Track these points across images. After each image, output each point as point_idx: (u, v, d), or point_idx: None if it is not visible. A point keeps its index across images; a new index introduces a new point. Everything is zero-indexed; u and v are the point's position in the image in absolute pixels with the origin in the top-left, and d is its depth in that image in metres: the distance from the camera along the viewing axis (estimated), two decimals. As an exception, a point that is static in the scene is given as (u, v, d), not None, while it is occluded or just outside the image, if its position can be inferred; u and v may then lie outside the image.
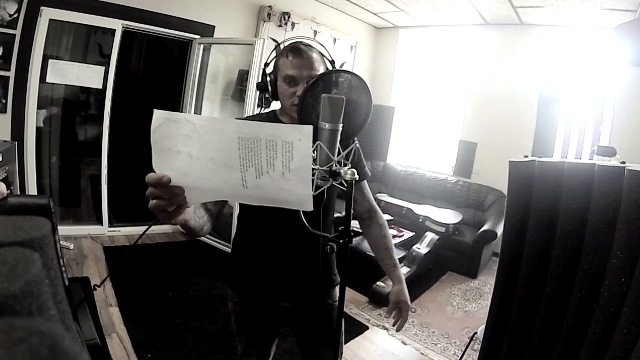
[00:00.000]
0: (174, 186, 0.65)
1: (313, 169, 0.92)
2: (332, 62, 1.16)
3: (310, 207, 0.67)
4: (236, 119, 1.16)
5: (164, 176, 0.63)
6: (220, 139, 0.60)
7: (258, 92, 1.15)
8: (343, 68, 1.07)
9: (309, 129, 0.59)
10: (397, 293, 1.23)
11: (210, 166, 0.63)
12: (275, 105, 1.24)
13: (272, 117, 1.19)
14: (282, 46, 1.16)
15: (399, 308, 1.22)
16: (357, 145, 1.17)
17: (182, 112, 3.73)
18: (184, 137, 0.60)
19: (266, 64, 1.19)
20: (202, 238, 3.48)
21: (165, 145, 0.61)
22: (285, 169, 0.61)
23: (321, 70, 1.10)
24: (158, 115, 0.59)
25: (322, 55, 1.13)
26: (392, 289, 1.25)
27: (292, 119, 1.13)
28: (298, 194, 0.65)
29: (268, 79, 1.14)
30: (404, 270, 3.23)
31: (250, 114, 1.21)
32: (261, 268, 1.16)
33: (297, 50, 1.07)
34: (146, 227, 0.89)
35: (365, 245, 3.52)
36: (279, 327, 1.32)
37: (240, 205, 1.21)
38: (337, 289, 1.29)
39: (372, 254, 3.72)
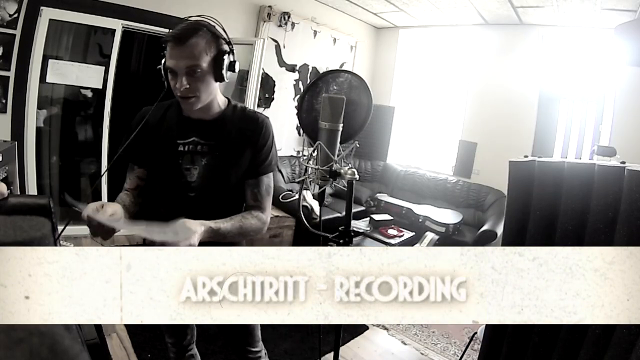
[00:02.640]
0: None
1: (313, 169, 0.92)
2: (229, 43, 1.07)
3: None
4: (144, 107, 1.14)
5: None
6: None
7: (163, 81, 1.07)
8: (343, 68, 1.05)
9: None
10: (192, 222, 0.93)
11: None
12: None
13: (175, 105, 1.14)
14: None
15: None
16: (269, 131, 1.14)
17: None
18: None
19: (164, 48, 1.04)
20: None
21: None
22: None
23: (205, 57, 0.99)
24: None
25: (214, 36, 1.02)
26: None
27: (185, 109, 1.08)
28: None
29: (163, 61, 1.03)
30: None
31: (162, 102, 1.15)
32: None
33: (174, 38, 0.96)
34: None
35: (366, 245, 3.52)
36: None
37: (147, 187, 1.18)
38: None
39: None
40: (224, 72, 1.04)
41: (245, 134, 1.12)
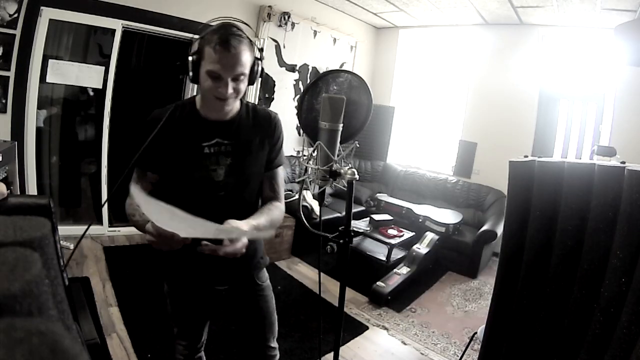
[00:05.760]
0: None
1: (313, 169, 0.92)
2: (261, 50, 1.12)
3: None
4: (155, 110, 1.14)
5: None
6: (202, 226, 0.84)
7: (186, 75, 1.07)
8: (343, 68, 1.05)
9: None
10: (238, 222, 0.99)
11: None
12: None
13: (190, 107, 1.14)
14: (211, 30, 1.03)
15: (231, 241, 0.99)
16: (280, 125, 1.20)
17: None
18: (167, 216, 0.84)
19: (191, 44, 1.06)
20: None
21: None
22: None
23: (248, 64, 1.03)
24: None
25: (251, 42, 1.06)
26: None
27: (213, 110, 1.10)
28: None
29: (191, 58, 1.03)
30: (403, 270, 3.23)
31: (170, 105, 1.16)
32: (193, 252, 1.16)
33: (225, 44, 0.97)
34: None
35: (366, 245, 3.52)
36: (211, 311, 1.34)
37: (163, 192, 1.18)
38: (265, 270, 1.31)
39: (371, 253, 3.70)
40: (257, 78, 1.10)
41: (262, 131, 1.18)
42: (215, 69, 0.99)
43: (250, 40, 1.06)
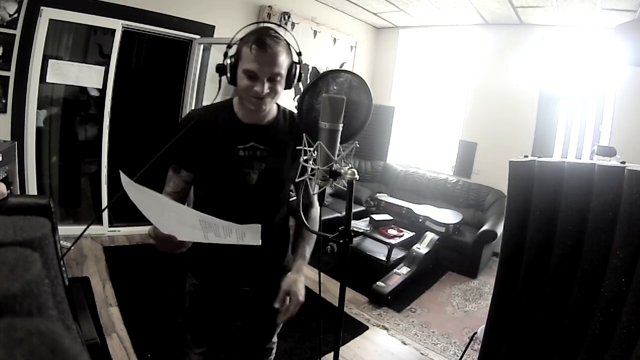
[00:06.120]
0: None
1: (313, 169, 0.93)
2: (299, 54, 1.13)
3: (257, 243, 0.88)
4: (192, 110, 1.17)
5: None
6: (185, 215, 0.83)
7: (217, 74, 1.09)
8: (343, 68, 1.06)
9: (257, 227, 0.83)
10: (290, 282, 1.13)
11: (178, 225, 0.84)
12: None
13: (227, 110, 1.15)
14: (247, 31, 1.08)
15: (290, 299, 1.13)
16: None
17: (182, 111, 3.75)
18: (154, 205, 0.81)
19: (229, 46, 1.09)
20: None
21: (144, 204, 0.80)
22: (239, 239, 0.85)
23: (285, 66, 1.06)
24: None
25: (288, 46, 1.08)
26: (287, 277, 1.16)
27: (249, 111, 1.10)
28: (249, 243, 0.87)
29: (228, 61, 1.06)
30: (403, 270, 3.24)
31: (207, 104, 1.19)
32: (222, 252, 1.15)
33: (262, 44, 0.99)
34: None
35: (366, 245, 3.52)
36: (233, 314, 1.33)
37: (196, 191, 1.20)
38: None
39: (371, 253, 3.70)
40: (294, 81, 1.12)
41: (298, 138, 1.16)
42: (252, 67, 1.00)
43: (288, 44, 1.07)
